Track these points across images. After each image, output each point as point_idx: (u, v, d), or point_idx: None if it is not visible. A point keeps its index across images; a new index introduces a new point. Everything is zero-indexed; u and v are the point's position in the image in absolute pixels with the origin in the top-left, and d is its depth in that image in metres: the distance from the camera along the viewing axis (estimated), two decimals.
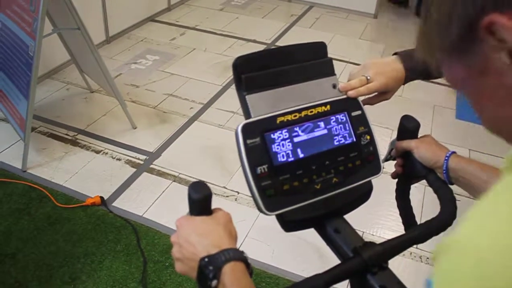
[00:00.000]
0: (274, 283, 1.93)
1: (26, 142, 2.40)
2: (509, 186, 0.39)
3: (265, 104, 0.79)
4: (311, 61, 0.86)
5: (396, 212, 1.01)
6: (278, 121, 0.78)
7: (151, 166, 2.55)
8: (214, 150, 2.69)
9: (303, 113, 0.80)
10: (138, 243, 2.08)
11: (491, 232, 0.36)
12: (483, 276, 0.35)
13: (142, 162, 2.57)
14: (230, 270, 0.60)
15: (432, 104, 3.21)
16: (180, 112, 3.02)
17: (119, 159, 2.59)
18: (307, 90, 0.84)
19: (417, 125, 0.94)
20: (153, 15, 4.41)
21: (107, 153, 2.63)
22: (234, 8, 4.83)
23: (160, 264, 1.99)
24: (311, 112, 0.81)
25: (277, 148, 0.76)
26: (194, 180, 0.70)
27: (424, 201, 2.19)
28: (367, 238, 0.78)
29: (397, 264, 1.95)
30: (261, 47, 3.92)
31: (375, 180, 0.87)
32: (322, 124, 0.82)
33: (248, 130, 0.75)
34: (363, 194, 0.89)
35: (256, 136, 0.75)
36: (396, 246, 0.79)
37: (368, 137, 0.85)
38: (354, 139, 0.84)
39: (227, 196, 2.36)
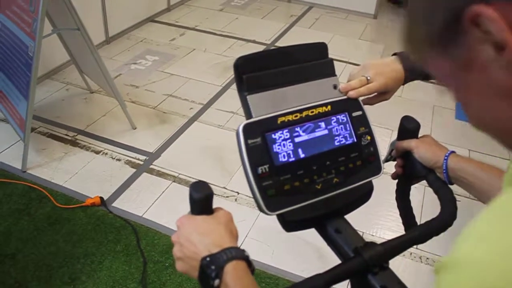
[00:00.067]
0: (274, 284, 1.93)
1: (26, 143, 2.40)
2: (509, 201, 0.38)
3: (266, 104, 0.79)
4: (312, 61, 0.86)
5: (396, 212, 1.01)
6: (279, 121, 0.78)
7: (151, 166, 2.55)
8: (214, 150, 2.69)
9: (304, 114, 0.80)
10: (138, 243, 2.08)
11: (492, 249, 0.35)
12: None
13: (142, 163, 2.57)
14: (232, 269, 0.60)
15: (431, 105, 3.21)
16: (180, 113, 3.02)
17: (119, 160, 2.59)
18: (308, 91, 0.84)
19: (417, 126, 0.94)
20: (153, 15, 4.42)
21: (107, 154, 2.63)
22: (234, 8, 4.83)
23: (160, 264, 1.99)
24: (312, 112, 0.81)
25: (278, 148, 0.76)
26: (194, 180, 0.70)
27: (424, 201, 2.19)
28: (367, 238, 0.78)
29: (397, 265, 1.95)
30: (260, 48, 3.92)
31: (376, 181, 0.87)
32: (323, 124, 0.82)
33: (249, 130, 0.75)
34: (364, 194, 0.89)
35: (257, 136, 0.75)
36: (396, 247, 0.79)
37: (369, 138, 0.85)
38: (355, 140, 0.84)
39: (227, 197, 2.36)
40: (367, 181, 0.85)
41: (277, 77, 0.82)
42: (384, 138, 2.55)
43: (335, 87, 0.87)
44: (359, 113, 0.86)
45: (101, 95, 3.14)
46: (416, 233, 0.83)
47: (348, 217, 0.86)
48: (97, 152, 2.63)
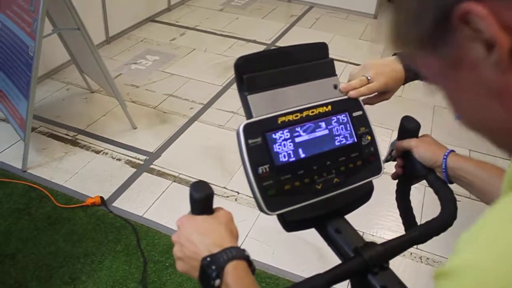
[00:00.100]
0: (274, 283, 1.93)
1: (26, 142, 2.40)
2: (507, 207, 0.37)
3: (266, 104, 0.79)
4: (313, 61, 0.86)
5: (396, 212, 1.01)
6: (279, 121, 0.78)
7: (151, 166, 2.55)
8: (214, 150, 2.69)
9: (305, 113, 0.80)
10: (138, 243, 2.08)
11: (492, 255, 0.34)
12: None
13: (142, 162, 2.58)
14: (233, 269, 0.60)
15: (432, 105, 3.21)
16: (180, 113, 3.02)
17: (119, 159, 2.59)
18: (308, 91, 0.84)
19: (417, 126, 0.94)
20: (153, 15, 4.42)
21: (107, 153, 2.63)
22: (234, 8, 4.83)
23: (160, 264, 1.99)
24: (312, 112, 0.81)
25: (279, 148, 0.77)
26: (194, 180, 0.70)
27: (424, 201, 2.19)
28: (367, 238, 0.78)
29: (398, 265, 1.95)
30: (261, 48, 3.92)
31: (376, 181, 0.87)
32: (323, 124, 0.82)
33: (250, 130, 0.75)
34: (364, 195, 0.89)
35: (258, 136, 0.75)
36: (397, 247, 0.79)
37: (369, 138, 0.85)
38: (355, 140, 0.84)
39: (227, 197, 2.37)
40: (367, 181, 0.85)
41: (277, 77, 0.82)
42: (385, 138, 2.55)
43: (335, 87, 0.87)
44: (360, 113, 0.86)
45: (101, 95, 3.14)
46: (416, 233, 0.83)
47: (348, 217, 0.86)
48: (98, 152, 2.64)
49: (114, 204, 2.29)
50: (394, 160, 0.98)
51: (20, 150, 2.47)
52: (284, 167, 0.76)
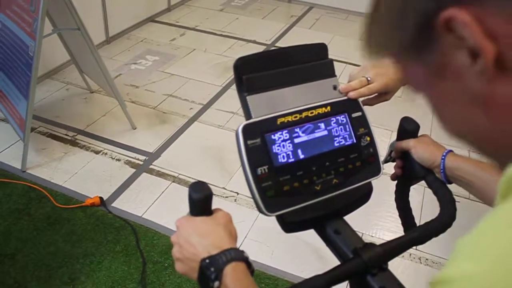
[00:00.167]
0: (273, 284, 1.93)
1: (25, 142, 2.40)
2: (504, 215, 0.36)
3: (265, 105, 0.79)
4: (312, 62, 0.86)
5: (395, 213, 1.01)
6: (278, 122, 0.78)
7: (151, 166, 2.55)
8: (213, 150, 2.69)
9: (304, 114, 0.80)
10: (137, 243, 2.08)
11: (487, 265, 0.33)
12: None
13: (141, 163, 2.57)
14: (232, 270, 0.60)
15: None
16: (180, 113, 3.02)
17: (118, 160, 2.59)
18: (308, 91, 0.84)
19: (416, 127, 0.94)
20: (153, 15, 4.42)
21: (106, 154, 2.63)
22: (234, 8, 4.83)
23: (159, 264, 1.99)
24: (312, 113, 0.81)
25: (278, 149, 0.77)
26: (194, 180, 0.70)
27: (424, 202, 2.19)
28: (367, 239, 0.78)
29: (397, 266, 1.95)
30: (261, 48, 3.92)
31: (375, 181, 0.87)
32: (322, 125, 0.82)
33: (249, 131, 0.75)
34: (363, 195, 0.89)
35: (257, 137, 0.75)
36: (396, 248, 0.79)
37: (368, 139, 0.85)
38: (354, 141, 0.84)
39: (226, 197, 2.36)
40: (367, 182, 0.85)
41: (277, 78, 0.82)
42: (384, 139, 2.55)
43: (335, 87, 0.87)
44: (359, 114, 0.86)
45: (101, 95, 3.14)
46: (415, 234, 0.83)
47: (347, 218, 0.86)
48: (97, 152, 2.63)
49: (114, 204, 2.29)
50: (393, 161, 0.98)
51: (20, 150, 2.47)
52: (283, 168, 0.76)
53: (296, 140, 0.79)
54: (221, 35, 4.19)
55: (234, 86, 0.82)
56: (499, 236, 0.34)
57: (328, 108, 0.83)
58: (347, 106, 0.85)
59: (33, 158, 2.53)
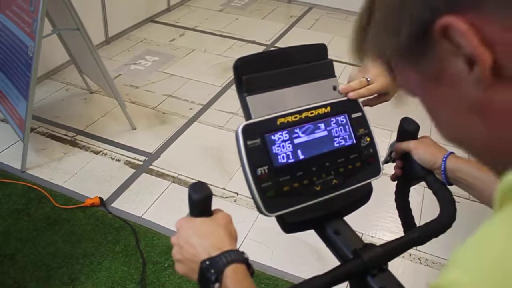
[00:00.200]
0: (273, 285, 1.93)
1: (25, 143, 2.40)
2: (498, 225, 0.35)
3: (265, 105, 0.79)
4: (312, 62, 0.86)
5: (395, 214, 1.01)
6: (278, 123, 0.78)
7: (150, 167, 2.55)
8: (213, 151, 2.69)
9: (304, 115, 0.80)
10: (137, 244, 2.08)
11: (481, 275, 0.33)
12: None
13: (141, 163, 2.57)
14: (232, 272, 0.60)
15: None
16: (180, 113, 3.02)
17: (118, 160, 2.59)
18: (308, 92, 0.84)
19: (416, 127, 0.94)
20: (153, 16, 4.42)
21: (106, 154, 2.63)
22: (234, 9, 4.83)
23: (159, 265, 1.99)
24: (312, 113, 0.81)
25: (278, 150, 0.76)
26: (194, 181, 0.70)
27: (424, 203, 2.19)
28: (366, 240, 0.78)
29: (397, 266, 1.95)
30: (260, 48, 3.93)
31: (375, 182, 0.87)
32: (322, 125, 0.82)
33: (249, 131, 0.75)
34: (363, 196, 0.89)
35: (257, 137, 0.75)
36: (396, 248, 0.79)
37: (368, 139, 0.85)
38: (354, 141, 0.84)
39: (226, 197, 2.36)
40: (367, 183, 0.85)
41: (276, 78, 0.82)
42: (384, 139, 2.55)
43: (334, 88, 0.87)
44: (359, 114, 0.86)
45: (100, 96, 3.14)
46: (415, 235, 0.83)
47: (347, 218, 0.86)
48: (97, 153, 2.63)
49: (113, 204, 2.29)
50: (393, 162, 0.98)
51: (19, 150, 2.47)
52: (283, 168, 0.76)
53: (296, 141, 0.79)
54: (220, 35, 4.19)
55: (233, 87, 0.82)
56: (492, 247, 0.34)
57: (328, 108, 0.83)
58: (347, 107, 0.85)
59: (33, 158, 2.53)
